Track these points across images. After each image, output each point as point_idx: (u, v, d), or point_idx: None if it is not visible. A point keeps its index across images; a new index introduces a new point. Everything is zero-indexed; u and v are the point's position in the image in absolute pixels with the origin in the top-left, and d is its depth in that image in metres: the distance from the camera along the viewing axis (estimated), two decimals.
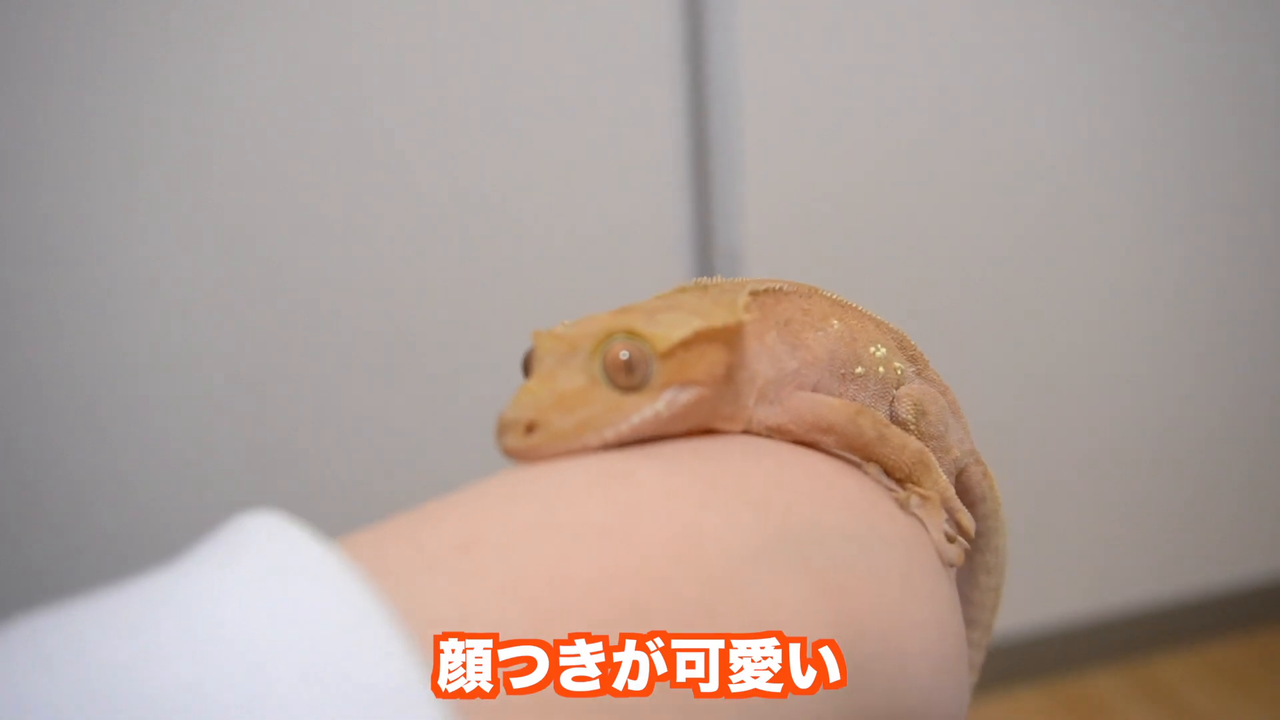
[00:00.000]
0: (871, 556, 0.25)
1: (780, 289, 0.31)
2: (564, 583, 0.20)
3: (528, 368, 0.27)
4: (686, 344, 0.26)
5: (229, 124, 1.02)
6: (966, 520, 0.30)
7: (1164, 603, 1.47)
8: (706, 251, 1.17)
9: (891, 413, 0.33)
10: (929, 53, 1.20)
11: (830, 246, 1.21)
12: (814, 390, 0.30)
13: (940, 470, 0.30)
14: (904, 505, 0.29)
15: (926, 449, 0.30)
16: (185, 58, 1.00)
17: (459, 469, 1.14)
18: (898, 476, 0.30)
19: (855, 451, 0.29)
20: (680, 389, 0.26)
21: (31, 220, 0.99)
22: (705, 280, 0.31)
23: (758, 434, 0.29)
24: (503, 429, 0.25)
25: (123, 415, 1.05)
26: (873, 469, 0.29)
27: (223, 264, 1.05)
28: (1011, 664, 1.41)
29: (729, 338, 0.28)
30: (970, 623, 0.36)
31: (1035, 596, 1.41)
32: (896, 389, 0.33)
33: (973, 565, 0.37)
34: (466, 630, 0.18)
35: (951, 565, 0.29)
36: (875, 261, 1.23)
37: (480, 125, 1.09)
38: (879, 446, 0.29)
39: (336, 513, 1.10)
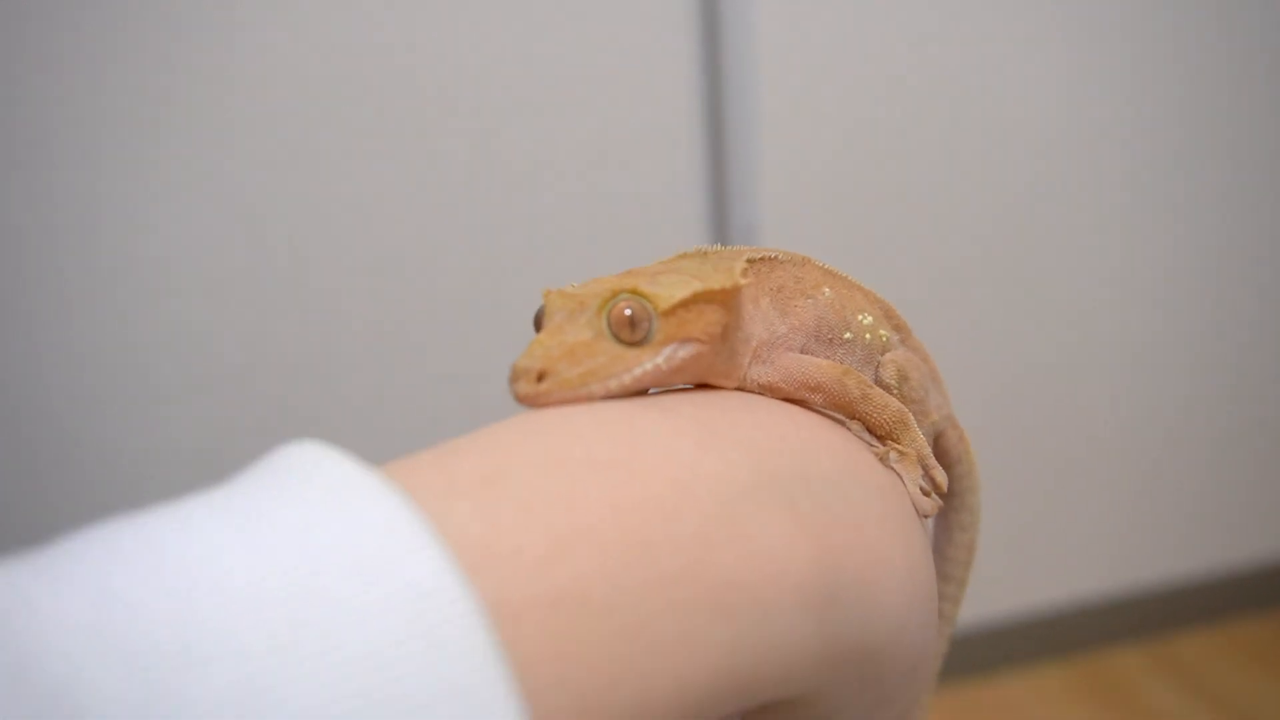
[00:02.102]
0: (851, 501, 0.27)
1: (775, 257, 0.33)
2: (577, 510, 0.22)
3: (539, 323, 0.29)
4: (686, 304, 0.28)
5: (241, 109, 1.02)
6: (940, 476, 0.32)
7: (1185, 580, 1.46)
8: (722, 226, 1.17)
9: (876, 376, 0.35)
10: (942, 30, 1.20)
11: (844, 221, 1.21)
12: (803, 353, 0.32)
13: (918, 430, 0.32)
14: (883, 459, 0.31)
15: (906, 410, 0.32)
16: (197, 41, 1.00)
17: None
18: (879, 434, 0.31)
19: (840, 410, 0.31)
20: (680, 345, 0.28)
21: (41, 207, 0.99)
22: (705, 248, 0.33)
23: (751, 391, 0.31)
24: (515, 376, 0.27)
25: (135, 401, 1.05)
26: (855, 426, 0.31)
27: (233, 249, 1.05)
28: (1034, 642, 1.40)
29: (726, 300, 0.30)
30: (945, 577, 0.39)
31: (1057, 575, 1.41)
32: (881, 355, 0.35)
33: (948, 522, 0.39)
34: (492, 545, 0.20)
35: (925, 516, 0.31)
36: (888, 236, 1.23)
37: (496, 103, 1.09)
38: (862, 405, 0.31)
39: None
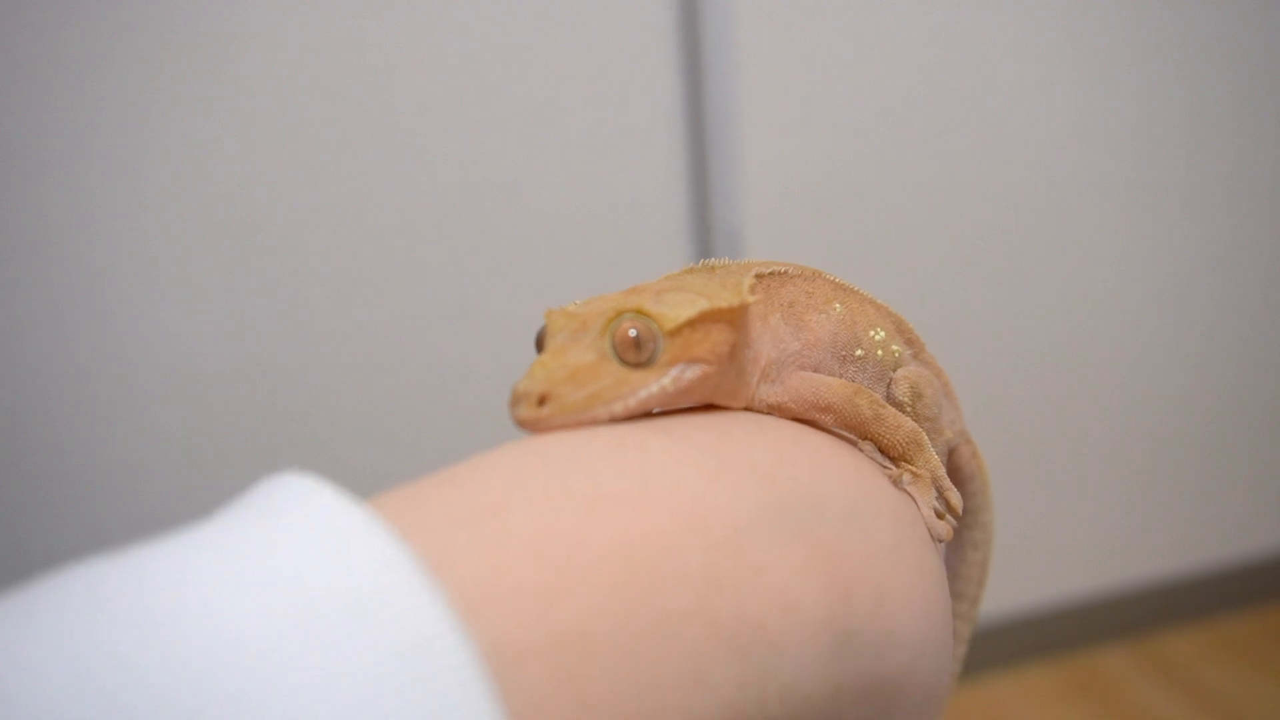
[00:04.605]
0: (864, 529, 0.26)
1: (785, 272, 0.32)
2: (582, 546, 0.21)
3: (540, 343, 0.29)
4: (692, 323, 0.28)
5: (231, 113, 1.02)
6: (955, 499, 0.32)
7: (1172, 578, 1.47)
8: (705, 231, 1.17)
9: (889, 394, 0.34)
10: (926, 32, 1.19)
11: (828, 225, 1.21)
12: (814, 371, 0.32)
13: (932, 450, 0.31)
14: (896, 482, 0.30)
15: (920, 429, 0.31)
16: (187, 47, 0.99)
17: (460, 453, 1.14)
18: (892, 455, 0.31)
19: (852, 430, 0.31)
20: (686, 366, 0.28)
21: (32, 210, 0.99)
22: (713, 262, 0.32)
23: (759, 411, 0.30)
24: (516, 400, 0.27)
25: (123, 405, 1.05)
26: (868, 447, 0.31)
27: (224, 252, 1.05)
28: (1020, 641, 1.41)
29: (733, 318, 0.29)
30: (957, 595, 0.39)
31: (1044, 574, 1.41)
32: (894, 371, 0.34)
33: (961, 540, 0.39)
34: (494, 584, 0.20)
35: (940, 540, 0.30)
36: (873, 241, 1.23)
37: (478, 108, 1.08)
38: (875, 425, 0.30)
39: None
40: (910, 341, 0.36)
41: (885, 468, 0.30)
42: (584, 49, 1.10)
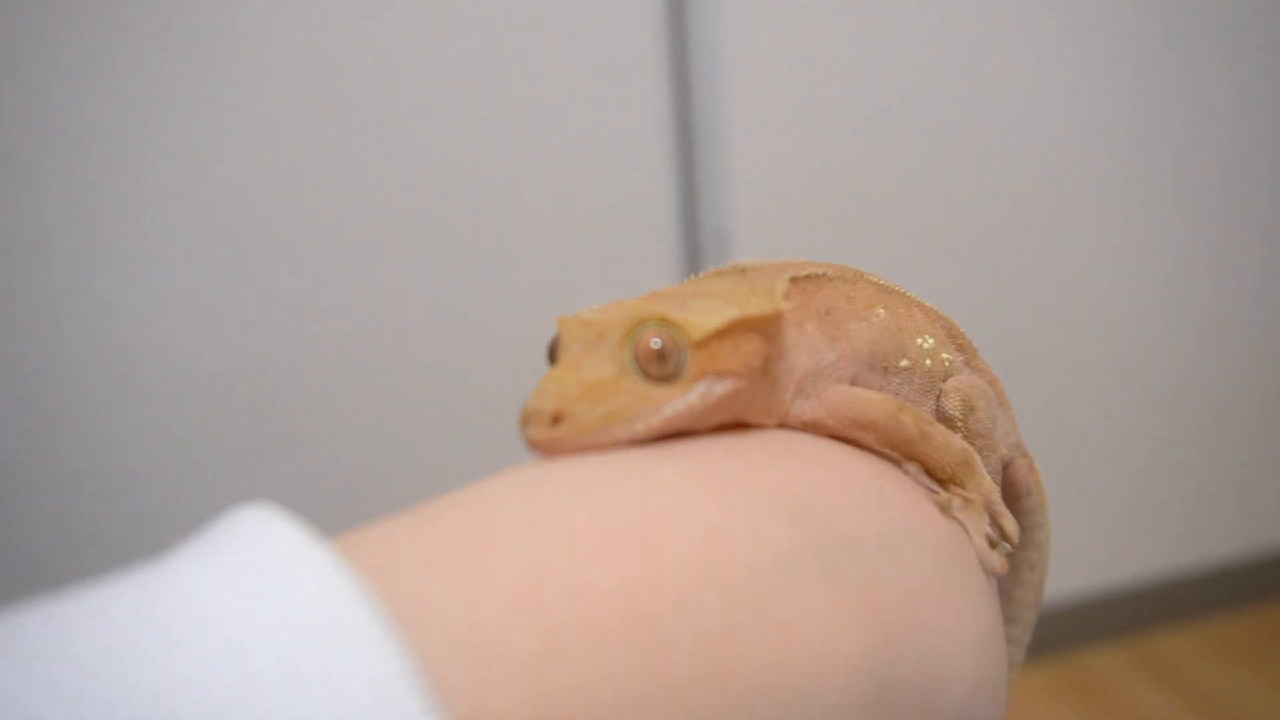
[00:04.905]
0: (907, 567, 0.24)
1: (823, 274, 0.30)
2: (578, 593, 0.19)
3: (553, 354, 0.26)
4: (722, 333, 0.25)
5: (228, 116, 1.02)
6: (1011, 525, 0.29)
7: (1164, 578, 1.47)
8: (693, 230, 1.17)
9: (938, 407, 0.31)
10: (914, 30, 1.20)
11: (816, 226, 1.21)
12: (854, 383, 0.29)
13: (985, 471, 0.29)
14: (945, 508, 0.27)
15: (971, 448, 0.28)
16: (184, 50, 1.00)
17: (454, 453, 1.15)
18: (940, 477, 0.28)
19: (895, 449, 0.28)
20: (714, 380, 0.25)
21: (28, 212, 0.99)
22: (743, 263, 0.30)
23: (793, 428, 0.28)
24: (527, 419, 0.24)
25: (123, 405, 1.05)
26: (913, 468, 0.28)
27: (223, 252, 1.05)
28: None
29: (766, 327, 0.26)
30: (1010, 619, 0.35)
31: None
32: (943, 381, 0.32)
33: (1015, 560, 0.35)
34: (473, 640, 0.17)
35: (994, 574, 0.28)
36: (861, 241, 1.23)
37: (466, 110, 1.09)
38: (921, 445, 0.28)
39: (335, 504, 1.10)
40: (961, 347, 0.33)
41: (933, 492, 0.28)
42: (572, 51, 1.10)
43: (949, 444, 0.28)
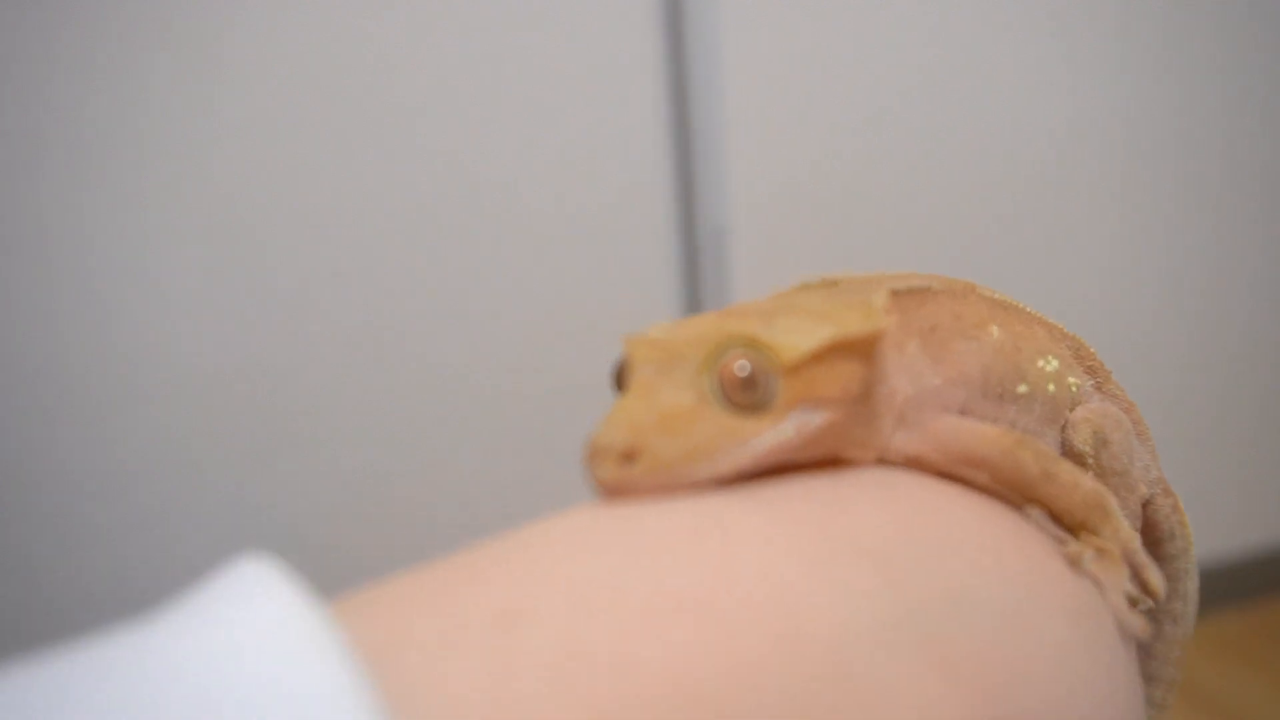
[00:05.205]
0: (1025, 633, 0.21)
1: (927, 288, 0.27)
2: (625, 666, 0.16)
3: (620, 380, 0.23)
4: (817, 356, 0.22)
5: (225, 116, 1.02)
6: (1155, 579, 0.25)
7: None
8: (691, 229, 1.17)
9: (1064, 441, 0.28)
10: (912, 29, 1.20)
11: (814, 224, 1.21)
12: (964, 412, 0.25)
13: (1121, 516, 0.25)
14: (1075, 562, 0.24)
15: (1105, 489, 0.25)
16: (181, 50, 1.00)
17: (454, 453, 1.15)
18: (1068, 523, 0.24)
19: (1013, 491, 0.24)
20: (809, 410, 0.22)
21: (26, 212, 0.99)
22: (833, 276, 0.27)
23: (893, 464, 0.24)
24: (595, 456, 0.21)
25: (119, 407, 1.05)
26: (1036, 513, 0.24)
27: (220, 255, 1.05)
28: None
29: (866, 349, 0.23)
30: (1150, 679, 0.31)
31: None
32: (1070, 410, 0.28)
33: (1157, 613, 0.31)
34: None
35: (1135, 636, 0.24)
36: (859, 239, 1.23)
37: (463, 109, 1.09)
38: (1044, 486, 0.24)
39: (335, 504, 1.11)
40: (1092, 370, 0.29)
41: (1060, 542, 0.24)
42: (570, 50, 1.10)
43: (1078, 484, 0.24)
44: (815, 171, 1.20)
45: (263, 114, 1.03)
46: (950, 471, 0.24)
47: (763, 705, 0.17)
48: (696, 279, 1.17)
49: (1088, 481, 0.24)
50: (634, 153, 1.15)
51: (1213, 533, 1.49)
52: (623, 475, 0.21)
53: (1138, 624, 0.24)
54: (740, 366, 0.21)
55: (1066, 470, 0.24)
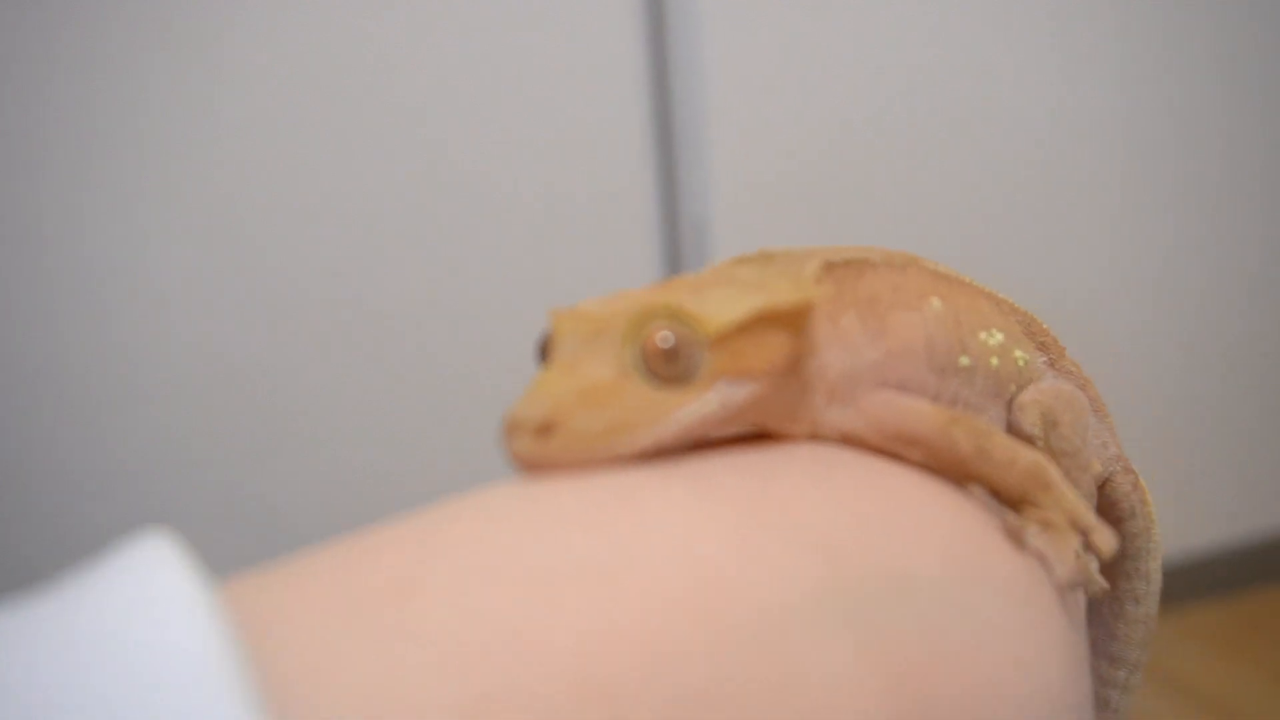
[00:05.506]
0: (961, 613, 0.20)
1: (865, 260, 0.25)
2: (519, 648, 0.15)
3: (545, 354, 0.22)
4: (743, 327, 0.21)
5: (225, 116, 1.03)
6: (1104, 539, 0.24)
7: None
8: (673, 221, 1.17)
9: (1012, 423, 0.27)
10: (895, 22, 1.20)
11: (796, 217, 1.21)
12: (903, 387, 0.25)
13: (1066, 485, 0.24)
14: (1017, 537, 0.23)
15: (1042, 460, 0.24)
16: (181, 50, 1.00)
17: (454, 453, 1.14)
18: (1007, 498, 0.24)
19: (949, 470, 0.23)
20: (734, 383, 0.21)
21: (26, 212, 0.99)
22: (771, 249, 0.26)
23: (826, 440, 0.24)
24: (511, 430, 0.20)
25: (119, 407, 1.05)
26: (978, 490, 0.24)
27: (218, 255, 1.06)
28: None
29: (795, 320, 0.22)
30: (1114, 659, 0.31)
31: None
32: (1018, 384, 0.27)
33: (1119, 592, 0.31)
34: (373, 705, 0.14)
35: (1096, 598, 0.24)
36: (842, 232, 1.23)
37: (446, 103, 1.09)
38: (979, 464, 0.23)
39: (335, 504, 1.11)
40: (1044, 345, 0.29)
41: (1004, 515, 0.23)
42: (551, 45, 1.11)
43: (1014, 459, 0.23)
44: (797, 164, 1.20)
45: (263, 113, 1.04)
46: (884, 448, 0.23)
47: (666, 680, 0.16)
48: (679, 272, 1.17)
49: (1024, 455, 0.23)
50: (616, 147, 1.15)
51: (1197, 524, 1.50)
52: (539, 449, 0.20)
53: (1096, 584, 0.24)
54: (663, 338, 0.21)
55: (1001, 446, 0.23)
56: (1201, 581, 1.50)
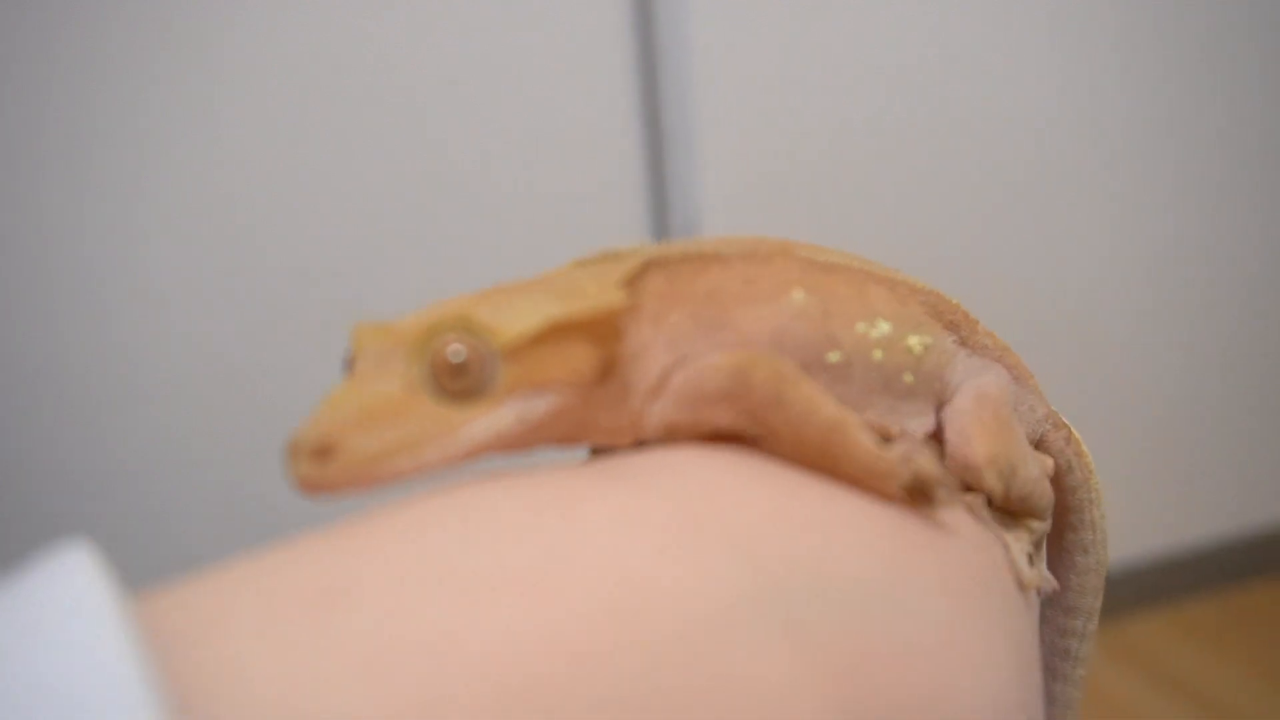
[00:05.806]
0: (899, 612, 0.19)
1: (714, 254, 0.24)
2: (446, 652, 0.15)
3: (348, 369, 0.21)
4: (539, 338, 0.20)
5: (219, 116, 1.03)
6: (931, 473, 0.22)
7: (1134, 563, 1.48)
8: (662, 219, 1.18)
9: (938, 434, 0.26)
10: (885, 20, 1.20)
11: (786, 214, 1.21)
12: None
13: (869, 439, 0.21)
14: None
15: (852, 420, 0.21)
16: (181, 50, 1.00)
17: None
18: (797, 456, 0.22)
19: (752, 422, 0.21)
20: (532, 396, 0.21)
21: (26, 212, 0.99)
22: (616, 249, 0.24)
23: (652, 441, 0.23)
24: (291, 453, 0.19)
25: (119, 407, 1.05)
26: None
27: (218, 255, 1.05)
28: None
29: (597, 329, 0.21)
30: (1069, 610, 0.31)
31: None
32: (919, 375, 0.25)
33: (1066, 544, 0.31)
34: (295, 714, 0.14)
35: (1035, 590, 0.23)
36: (833, 229, 1.23)
37: (436, 102, 1.09)
38: (774, 413, 0.21)
39: (331, 506, 1.11)
40: (954, 324, 0.27)
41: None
42: (540, 42, 1.11)
43: (812, 412, 0.21)
44: (788, 163, 1.20)
45: (262, 113, 1.03)
46: (695, 424, 0.22)
47: (594, 688, 0.15)
48: None
49: (830, 410, 0.21)
50: (606, 146, 1.15)
51: (1182, 519, 1.51)
52: (317, 473, 0.19)
53: (1030, 576, 0.23)
54: (454, 351, 0.20)
55: (805, 397, 0.21)
56: (1190, 577, 1.51)
